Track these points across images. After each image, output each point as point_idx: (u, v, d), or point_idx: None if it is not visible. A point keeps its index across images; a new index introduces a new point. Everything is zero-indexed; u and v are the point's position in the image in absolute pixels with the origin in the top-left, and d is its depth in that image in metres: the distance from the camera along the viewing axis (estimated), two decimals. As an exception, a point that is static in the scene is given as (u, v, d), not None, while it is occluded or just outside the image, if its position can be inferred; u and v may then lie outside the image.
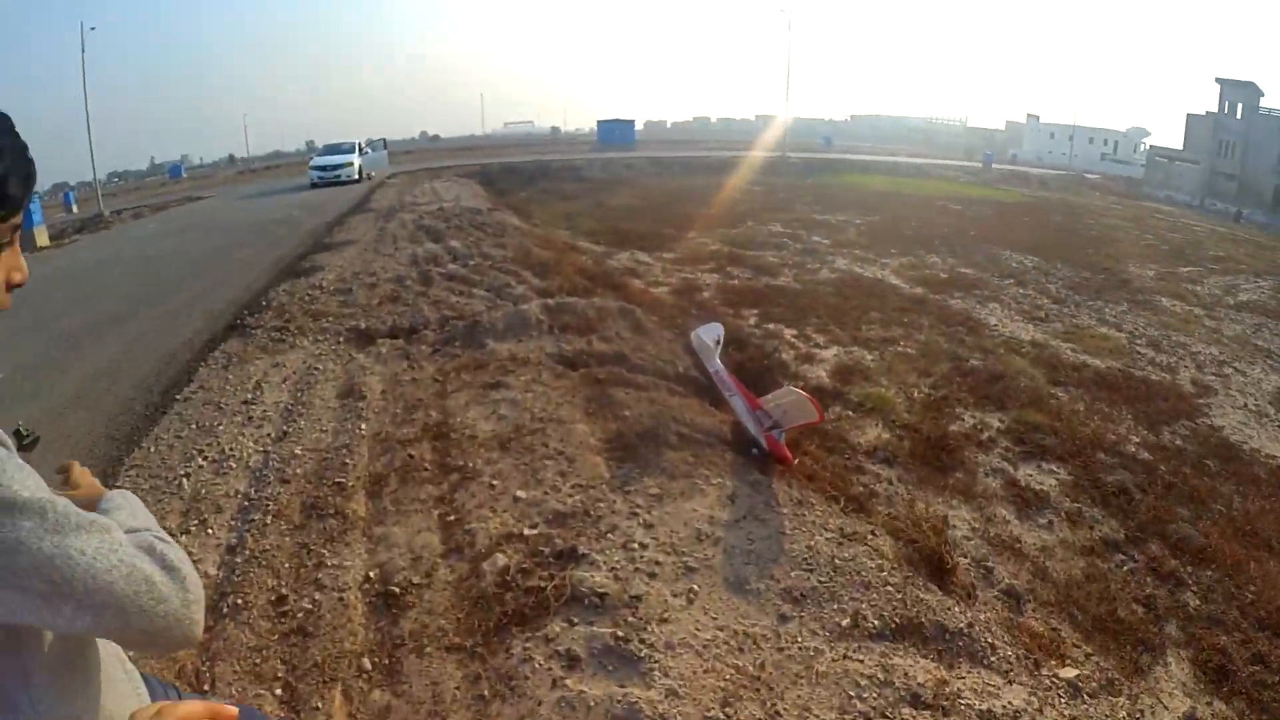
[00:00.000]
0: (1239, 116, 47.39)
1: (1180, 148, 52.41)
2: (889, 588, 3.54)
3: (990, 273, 14.77)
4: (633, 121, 65.55)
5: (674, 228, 17.24)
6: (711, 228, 17.79)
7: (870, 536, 4.14)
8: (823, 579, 3.58)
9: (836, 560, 3.65)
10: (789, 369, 7.75)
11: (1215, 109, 49.10)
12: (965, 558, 4.78)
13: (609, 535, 3.89)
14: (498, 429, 5.11)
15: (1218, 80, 49.19)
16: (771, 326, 9.37)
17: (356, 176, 27.98)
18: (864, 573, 3.64)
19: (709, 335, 6.39)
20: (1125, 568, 5.16)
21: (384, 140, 35.88)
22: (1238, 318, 13.84)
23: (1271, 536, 6.01)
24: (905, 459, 5.98)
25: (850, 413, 6.83)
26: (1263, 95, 46.80)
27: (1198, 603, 4.90)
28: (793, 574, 3.66)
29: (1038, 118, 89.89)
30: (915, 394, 7.55)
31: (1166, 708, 3.88)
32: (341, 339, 7.50)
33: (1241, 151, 46.23)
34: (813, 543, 3.81)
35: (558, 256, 11.42)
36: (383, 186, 24.60)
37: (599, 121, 64.94)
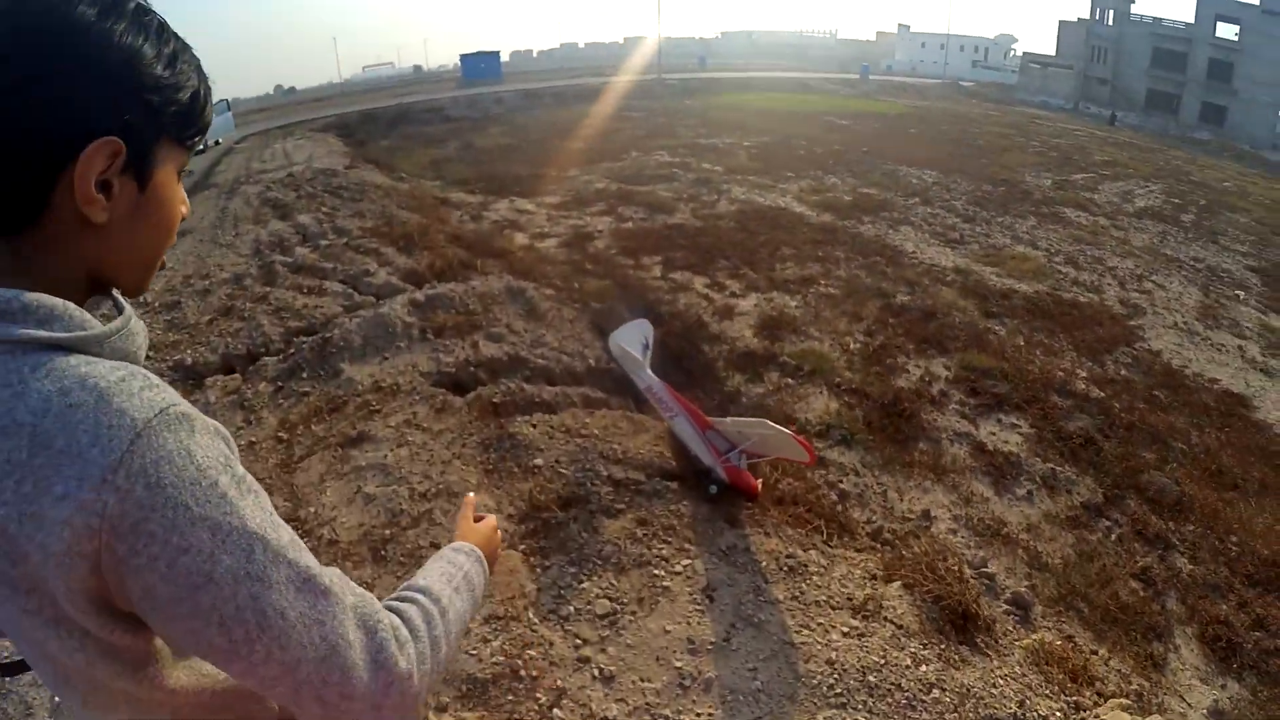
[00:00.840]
0: (1110, 23, 49.15)
1: (1053, 54, 54.08)
2: (933, 692, 2.69)
3: (893, 192, 14.28)
4: (498, 53, 61.88)
5: (554, 166, 15.84)
6: (594, 162, 16.52)
7: (885, 604, 3.28)
8: (859, 710, 2.64)
9: (868, 675, 2.71)
10: (709, 330, 6.81)
11: (1087, 16, 50.70)
12: (965, 565, 4.13)
13: (555, 713, 2.65)
14: (367, 523, 3.69)
15: (1090, -14, 50.63)
16: (679, 276, 8.38)
17: (200, 147, 24.71)
18: (899, 675, 2.78)
19: (633, 338, 4.74)
20: (1113, 536, 4.86)
21: (226, 102, 32.08)
22: (1141, 225, 13.92)
23: (1235, 473, 5.89)
24: (863, 436, 5.22)
25: (789, 380, 6.01)
26: (1133, 2, 48.65)
27: (1190, 566, 4.69)
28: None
29: (908, 27, 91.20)
30: (851, 344, 6.83)
31: (1192, 705, 3.68)
32: (168, 379, 5.66)
33: (1114, 56, 48.24)
34: (833, 652, 2.81)
35: (426, 222, 9.64)
36: (230, 154, 21.75)
37: (462, 56, 61.15)
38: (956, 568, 3.59)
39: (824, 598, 3.26)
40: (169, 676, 0.88)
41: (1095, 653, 3.75)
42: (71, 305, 0.78)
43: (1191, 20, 45.09)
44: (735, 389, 5.82)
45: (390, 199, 11.60)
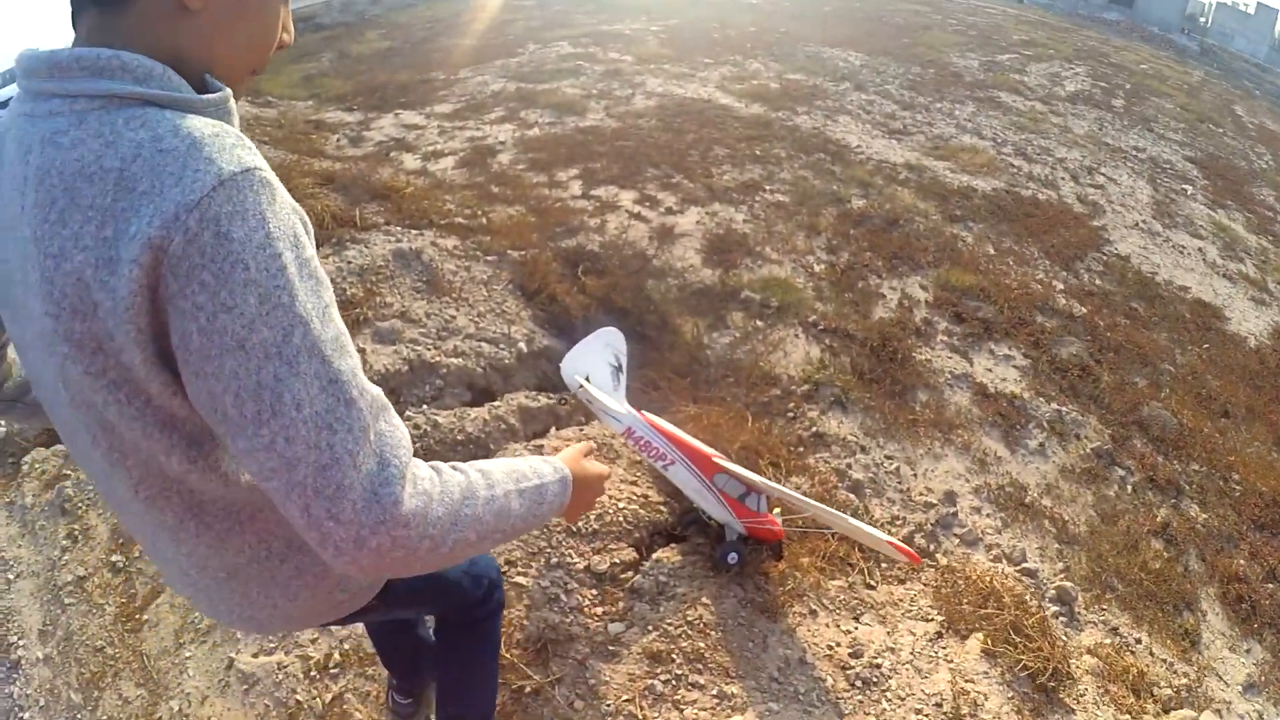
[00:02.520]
0: None
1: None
2: None
3: (823, 77, 13.47)
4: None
5: (442, 69, 13.97)
6: (487, 59, 14.83)
7: (973, 690, 2.80)
8: None
9: None
10: (652, 264, 5.93)
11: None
12: (997, 555, 3.78)
13: None
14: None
15: None
16: (603, 193, 7.39)
17: None
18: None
19: (595, 360, 3.37)
20: (1128, 487, 4.62)
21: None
22: (1077, 111, 13.67)
23: (1223, 398, 5.79)
24: (858, 394, 4.60)
25: (757, 322, 5.29)
26: None
27: (1202, 515, 4.52)
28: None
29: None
30: (815, 266, 6.16)
31: (1228, 683, 3.53)
32: None
33: None
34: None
35: (290, 159, 7.81)
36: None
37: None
38: (1035, 609, 3.26)
39: (913, 713, 2.73)
40: (225, 460, 0.90)
41: (1139, 642, 3.52)
42: (169, 69, 0.80)
43: None
44: (696, 340, 5.06)
45: (250, 132, 9.88)
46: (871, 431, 4.37)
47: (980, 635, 3.05)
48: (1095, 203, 8.98)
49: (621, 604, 3.03)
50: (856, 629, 3.09)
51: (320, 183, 7.01)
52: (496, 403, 4.04)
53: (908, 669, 2.92)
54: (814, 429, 4.30)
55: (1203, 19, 43.66)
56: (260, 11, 0.91)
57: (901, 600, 3.29)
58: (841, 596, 3.23)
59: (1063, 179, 9.61)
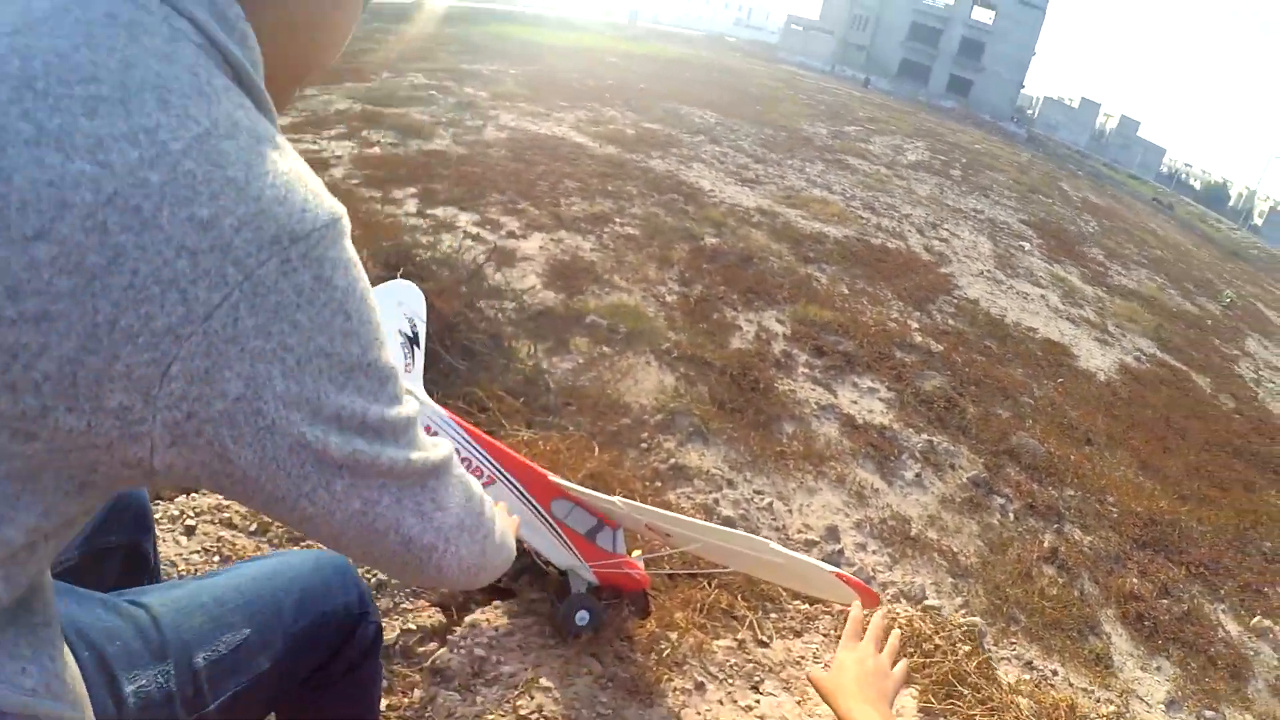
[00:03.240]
0: None
1: (817, 18, 57.75)
2: None
3: (678, 129, 13.46)
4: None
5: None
6: (336, 83, 14.18)
7: None
8: None
9: None
10: (487, 282, 5.32)
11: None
12: (895, 593, 3.23)
13: None
14: None
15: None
16: (440, 213, 6.77)
17: None
18: None
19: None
20: (1010, 515, 4.39)
21: None
22: (919, 177, 14.25)
23: (1084, 427, 5.79)
24: (718, 425, 4.07)
25: (603, 348, 4.72)
26: None
27: (1086, 537, 4.39)
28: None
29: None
30: (667, 296, 5.71)
31: (1150, 704, 3.37)
32: None
33: (874, 26, 52.92)
34: None
35: None
36: None
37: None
38: (975, 651, 2.73)
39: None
40: None
41: (1055, 673, 3.19)
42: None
43: (951, 2, 50.22)
44: (534, 366, 4.42)
45: None
46: (737, 465, 3.82)
47: (913, 690, 2.48)
48: (942, 253, 9.12)
49: (419, 692, 2.08)
50: (759, 703, 2.33)
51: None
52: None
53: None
54: (672, 460, 3.72)
55: (1030, 110, 48.16)
56: (337, 6, 0.72)
57: (803, 658, 2.62)
58: (732, 660, 2.45)
59: (910, 231, 9.75)
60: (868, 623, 1.29)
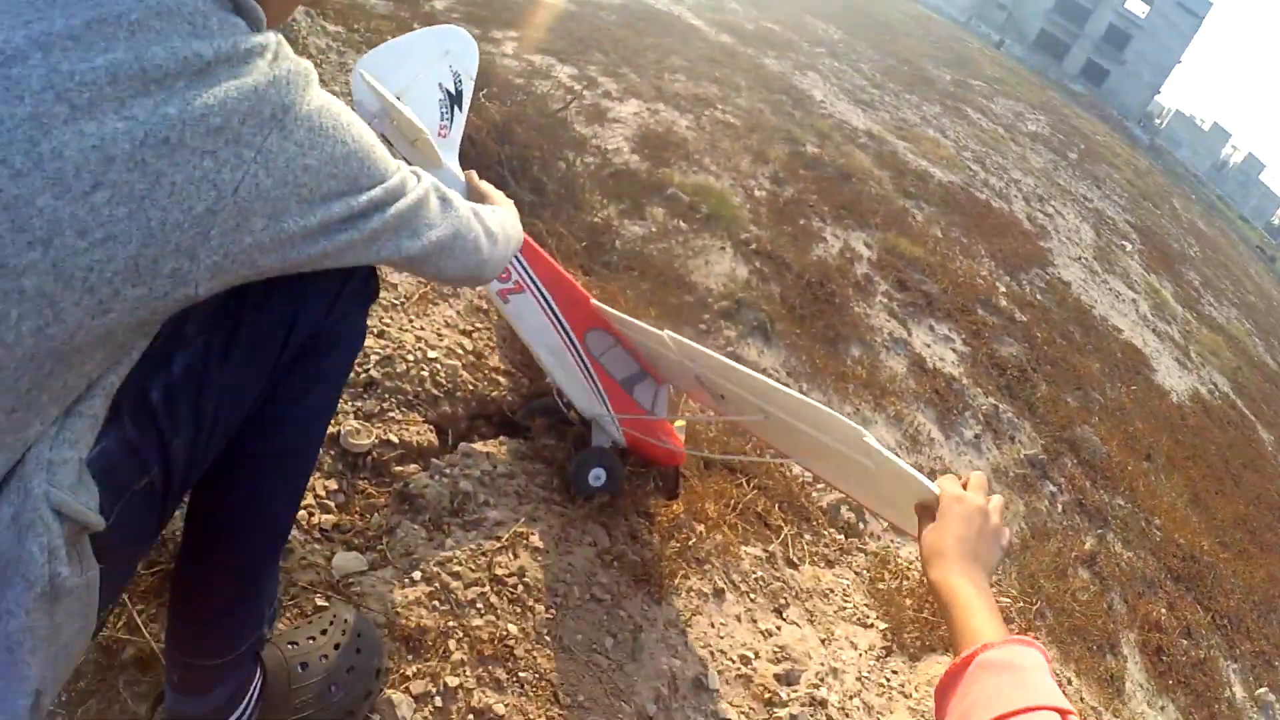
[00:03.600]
0: None
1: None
2: None
3: (799, 35, 12.72)
4: None
5: None
6: None
7: None
8: None
9: None
10: (574, 131, 4.90)
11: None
12: None
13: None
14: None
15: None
16: (537, 60, 6.32)
17: None
18: None
19: (421, 74, 1.81)
20: (1059, 505, 4.10)
21: None
22: (1035, 149, 13.42)
23: (1147, 442, 5.42)
24: (784, 327, 3.74)
25: (681, 222, 4.36)
26: None
27: (1127, 553, 4.11)
28: None
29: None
30: (756, 190, 5.32)
31: None
32: None
33: None
34: None
35: None
36: None
37: None
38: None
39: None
40: None
41: (1069, 682, 2.95)
42: None
43: None
44: (606, 222, 4.06)
45: None
46: (796, 373, 3.52)
47: (938, 658, 2.17)
48: (1044, 227, 8.55)
49: (377, 518, 1.67)
50: (780, 630, 2.01)
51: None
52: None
53: (858, 708, 1.91)
54: (729, 349, 3.43)
55: (1159, 120, 45.43)
56: None
57: (832, 591, 2.28)
58: (758, 573, 2.12)
59: (1015, 197, 9.16)
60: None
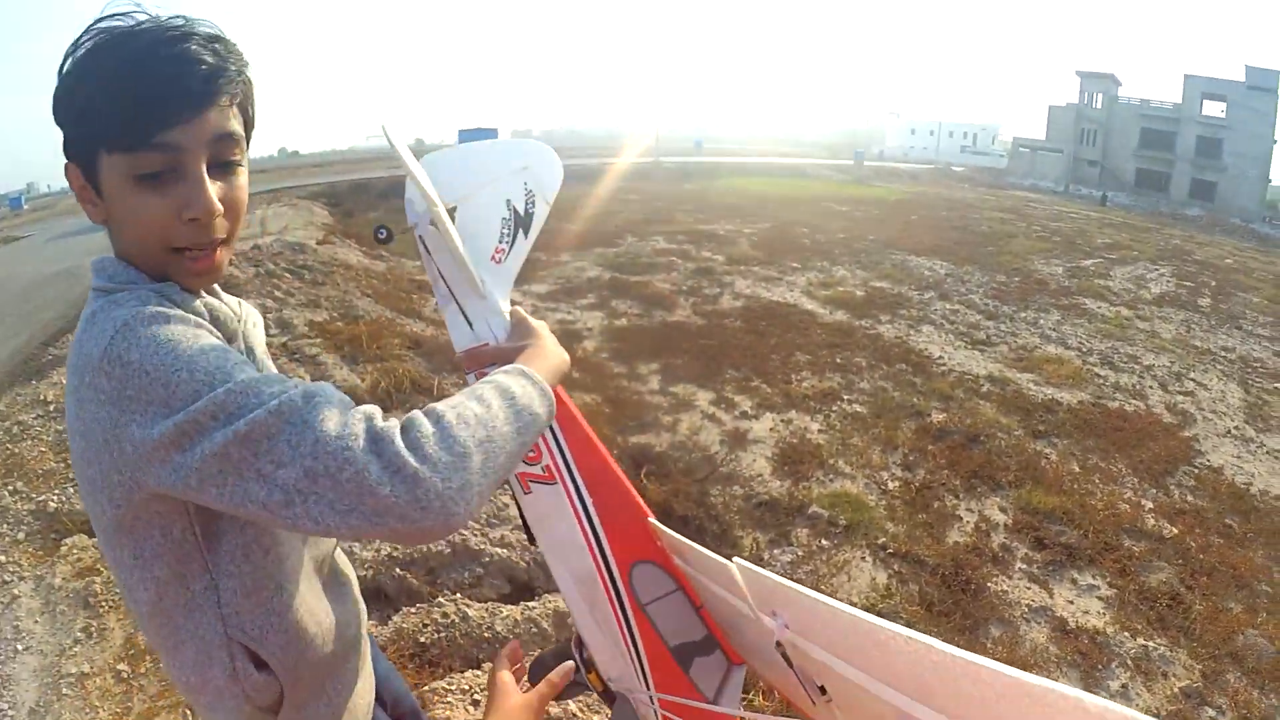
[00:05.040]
0: (1099, 106, 51.48)
1: (1042, 138, 55.78)
2: None
3: (906, 285, 13.90)
4: (495, 130, 63.40)
5: (544, 249, 15.13)
6: (587, 246, 16.10)
7: None
8: None
9: None
10: (718, 469, 6.12)
11: (1076, 100, 52.61)
12: None
13: None
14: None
15: (1078, 73, 53.14)
16: (680, 391, 7.76)
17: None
18: None
19: (488, 187, 1.53)
20: None
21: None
22: (1163, 314, 13.50)
23: None
24: (923, 629, 4.53)
25: (823, 540, 5.32)
26: (1120, 85, 50.87)
27: None
28: None
29: (898, 115, 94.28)
30: (889, 483, 6.20)
31: None
32: (22, 532, 4.13)
33: (1103, 138, 50.23)
34: None
35: (385, 319, 8.62)
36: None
37: (460, 131, 63.04)
38: None
39: None
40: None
41: None
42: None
43: (1179, 100, 46.65)
44: (755, 553, 5.10)
45: (357, 284, 10.85)
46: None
47: None
48: (1185, 411, 8.73)
49: None
50: None
51: (408, 345, 7.74)
52: (533, 602, 3.61)
53: None
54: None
55: (1281, 205, 42.71)
56: (117, 204, 0.90)
57: None
58: None
59: (1150, 388, 9.41)
60: None
